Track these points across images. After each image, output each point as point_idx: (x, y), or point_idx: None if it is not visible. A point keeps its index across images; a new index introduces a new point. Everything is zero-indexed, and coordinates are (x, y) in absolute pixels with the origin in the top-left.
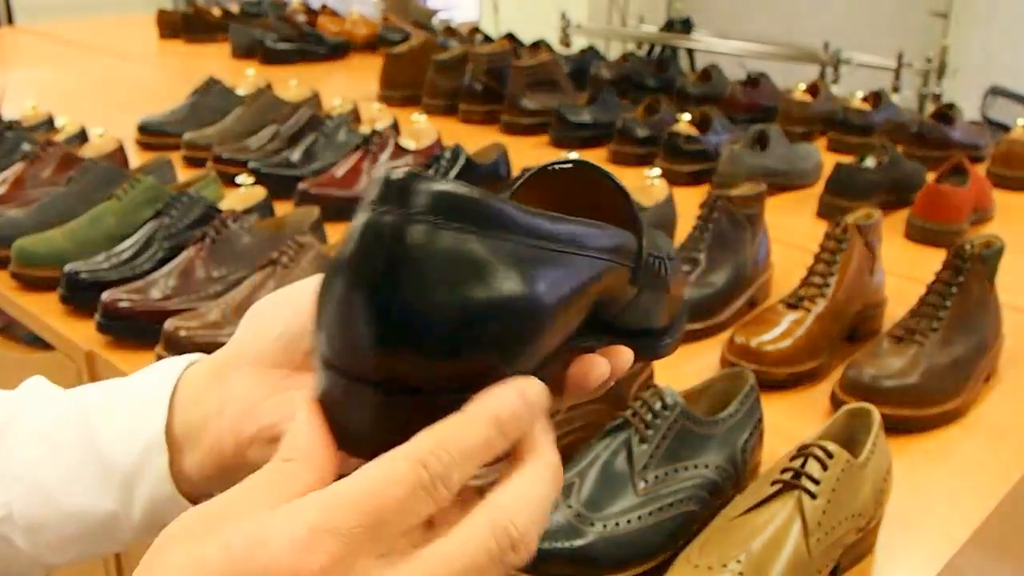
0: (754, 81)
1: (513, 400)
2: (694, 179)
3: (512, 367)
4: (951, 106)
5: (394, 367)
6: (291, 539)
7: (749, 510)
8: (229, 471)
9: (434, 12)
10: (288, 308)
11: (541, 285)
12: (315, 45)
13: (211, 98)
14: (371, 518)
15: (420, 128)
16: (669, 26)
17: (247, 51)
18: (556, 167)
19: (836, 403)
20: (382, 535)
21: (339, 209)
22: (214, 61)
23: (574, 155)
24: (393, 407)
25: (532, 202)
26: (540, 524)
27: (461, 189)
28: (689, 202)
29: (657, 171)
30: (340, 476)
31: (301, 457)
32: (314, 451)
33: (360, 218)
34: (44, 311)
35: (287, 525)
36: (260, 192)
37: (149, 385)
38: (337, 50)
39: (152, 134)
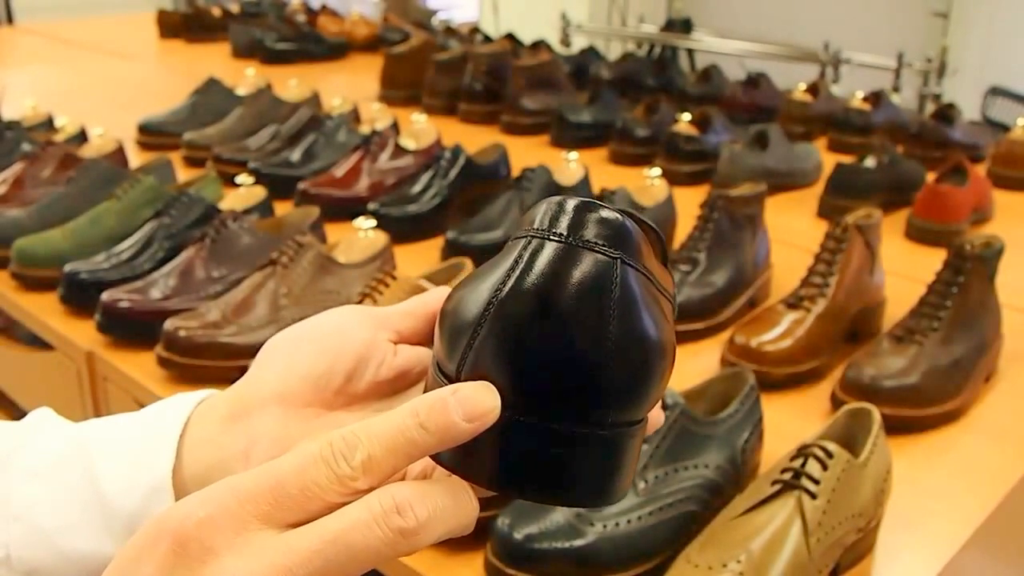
0: (754, 81)
1: (439, 394)
2: (694, 179)
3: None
4: (951, 106)
5: (588, 406)
6: (206, 495)
7: (749, 510)
8: None
9: (434, 12)
10: (313, 345)
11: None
12: (315, 45)
13: (211, 98)
14: (272, 483)
15: (420, 128)
16: (669, 26)
17: (247, 51)
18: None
19: (836, 403)
20: (283, 503)
21: (339, 209)
22: (214, 61)
23: (575, 155)
24: (568, 444)
25: None
26: (437, 507)
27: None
28: (689, 202)
29: (657, 171)
30: None
31: None
32: None
33: (559, 249)
34: (44, 311)
35: (216, 487)
36: (260, 192)
37: (156, 424)
38: (337, 50)
39: (152, 134)
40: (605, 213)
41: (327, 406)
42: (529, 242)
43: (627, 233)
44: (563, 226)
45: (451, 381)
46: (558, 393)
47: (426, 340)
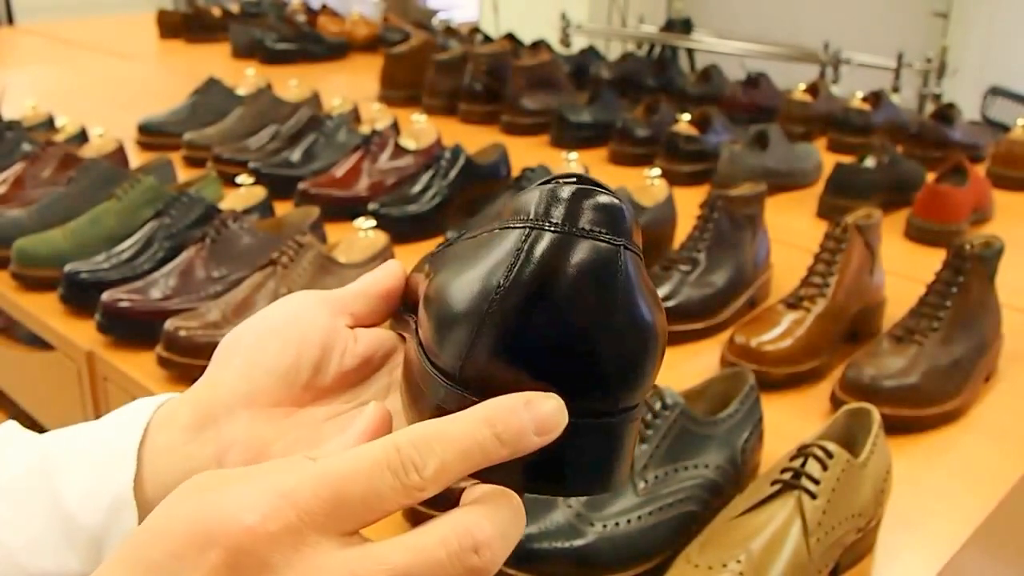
0: (754, 81)
1: (514, 404)
2: (694, 179)
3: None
4: (951, 106)
5: (595, 394)
6: (256, 500)
7: (749, 510)
8: None
9: (434, 12)
10: (275, 338)
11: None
12: (315, 45)
13: (211, 98)
14: (331, 493)
15: (420, 128)
16: (669, 26)
17: (247, 51)
18: (560, 182)
19: (836, 403)
20: (342, 513)
21: (339, 209)
22: (214, 61)
23: (575, 155)
24: (579, 434)
25: None
26: (508, 539)
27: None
28: (689, 202)
29: (657, 171)
30: None
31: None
32: None
33: (560, 240)
34: (44, 311)
35: (259, 488)
36: (260, 192)
37: (115, 434)
38: (337, 50)
39: (152, 134)
40: (603, 199)
41: (296, 403)
42: (528, 232)
43: (624, 216)
44: (563, 215)
45: (448, 376)
46: (570, 385)
47: (380, 320)
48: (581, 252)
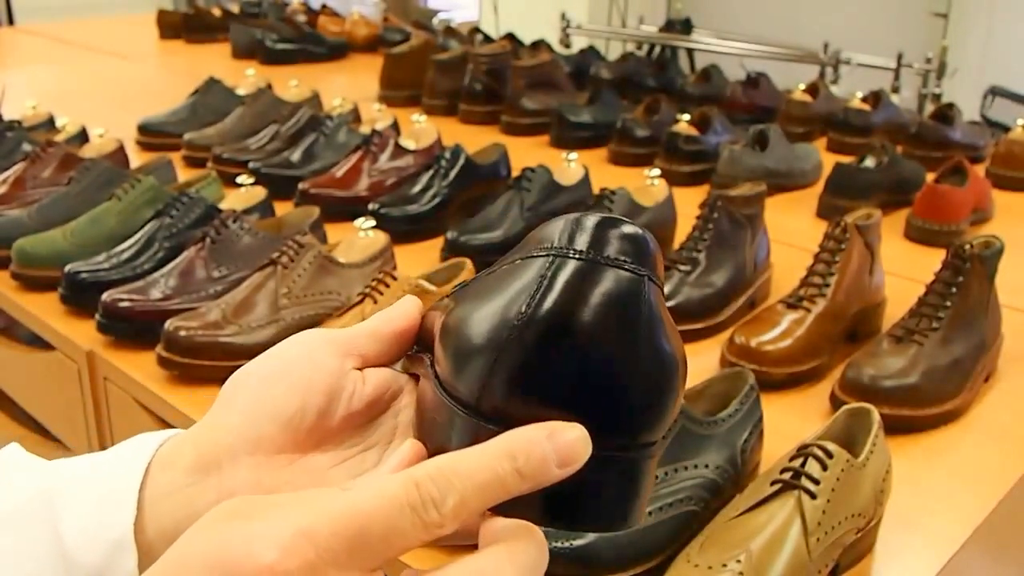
0: (754, 81)
1: (535, 435)
2: (694, 179)
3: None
4: (951, 106)
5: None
6: (274, 538)
7: (749, 510)
8: None
9: (434, 12)
10: (280, 382)
11: None
12: (315, 45)
13: (211, 98)
14: (351, 530)
15: (420, 128)
16: (669, 26)
17: (247, 51)
18: None
19: (836, 403)
20: (362, 550)
21: (339, 209)
22: (214, 61)
23: (575, 155)
24: (600, 469)
25: None
26: None
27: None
28: (689, 202)
29: (657, 171)
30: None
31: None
32: None
33: (584, 268)
34: (44, 311)
35: (278, 524)
36: (260, 192)
37: (117, 470)
38: (337, 50)
39: (152, 134)
40: (627, 228)
41: (299, 449)
42: (552, 261)
43: (649, 247)
44: (586, 243)
45: (465, 406)
46: (591, 417)
47: (391, 360)
48: (606, 281)
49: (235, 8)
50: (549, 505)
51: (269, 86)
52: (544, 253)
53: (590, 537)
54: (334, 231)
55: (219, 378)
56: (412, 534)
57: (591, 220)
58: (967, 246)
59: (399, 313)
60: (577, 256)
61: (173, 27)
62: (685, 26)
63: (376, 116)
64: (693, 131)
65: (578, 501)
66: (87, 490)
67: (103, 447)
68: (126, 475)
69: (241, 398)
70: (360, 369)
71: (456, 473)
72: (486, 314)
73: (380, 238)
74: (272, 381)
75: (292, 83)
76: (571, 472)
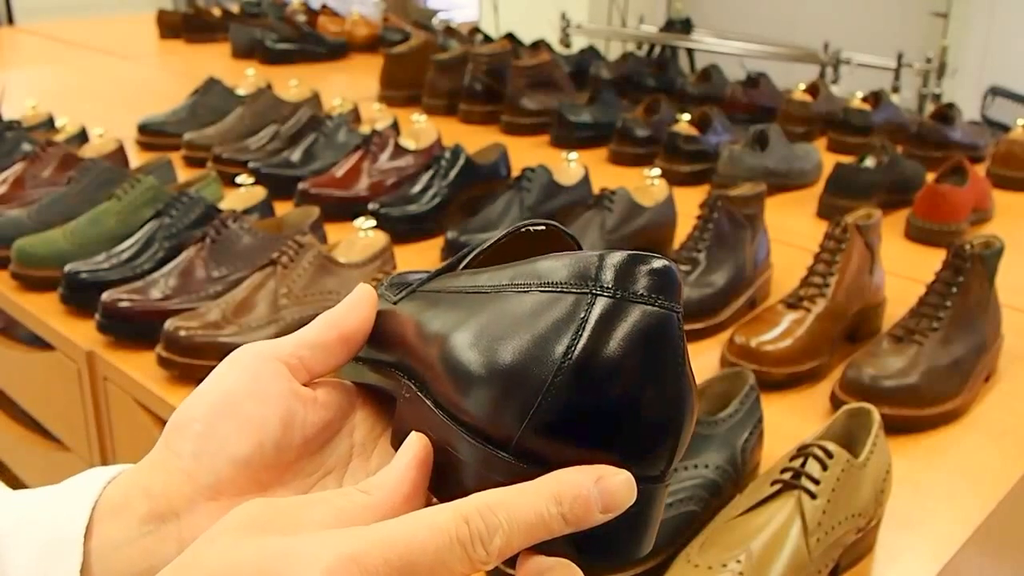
0: (754, 81)
1: (583, 481)
2: (694, 179)
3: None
4: (951, 106)
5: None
6: (318, 563)
7: (749, 510)
8: None
9: (434, 12)
10: (232, 422)
11: None
12: (315, 45)
13: (211, 98)
14: (400, 560)
15: (420, 128)
16: (669, 26)
17: (247, 51)
18: (531, 229)
19: (836, 403)
20: None
21: (339, 209)
22: (214, 61)
23: (575, 155)
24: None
25: (504, 261)
26: None
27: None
28: (689, 202)
29: (657, 171)
30: None
31: (381, 498)
32: (396, 499)
33: (621, 307)
34: (44, 311)
35: (321, 549)
36: (260, 192)
37: (61, 517)
38: (337, 50)
39: (152, 134)
40: (657, 263)
41: (261, 487)
42: (593, 299)
43: (676, 280)
44: (616, 279)
45: (499, 445)
46: (628, 454)
47: (337, 366)
48: (644, 320)
49: (235, 8)
50: (583, 543)
51: (269, 86)
52: (578, 290)
53: None
54: (334, 231)
55: None
56: (458, 568)
57: (617, 257)
58: (967, 246)
59: (348, 313)
60: (612, 294)
61: (173, 27)
62: (685, 26)
63: (376, 116)
64: (693, 131)
65: (611, 537)
66: (31, 536)
67: (103, 447)
68: (69, 522)
69: (189, 441)
70: (309, 384)
71: (504, 512)
72: (517, 351)
73: (380, 238)
74: (221, 420)
75: (292, 83)
76: (612, 517)
